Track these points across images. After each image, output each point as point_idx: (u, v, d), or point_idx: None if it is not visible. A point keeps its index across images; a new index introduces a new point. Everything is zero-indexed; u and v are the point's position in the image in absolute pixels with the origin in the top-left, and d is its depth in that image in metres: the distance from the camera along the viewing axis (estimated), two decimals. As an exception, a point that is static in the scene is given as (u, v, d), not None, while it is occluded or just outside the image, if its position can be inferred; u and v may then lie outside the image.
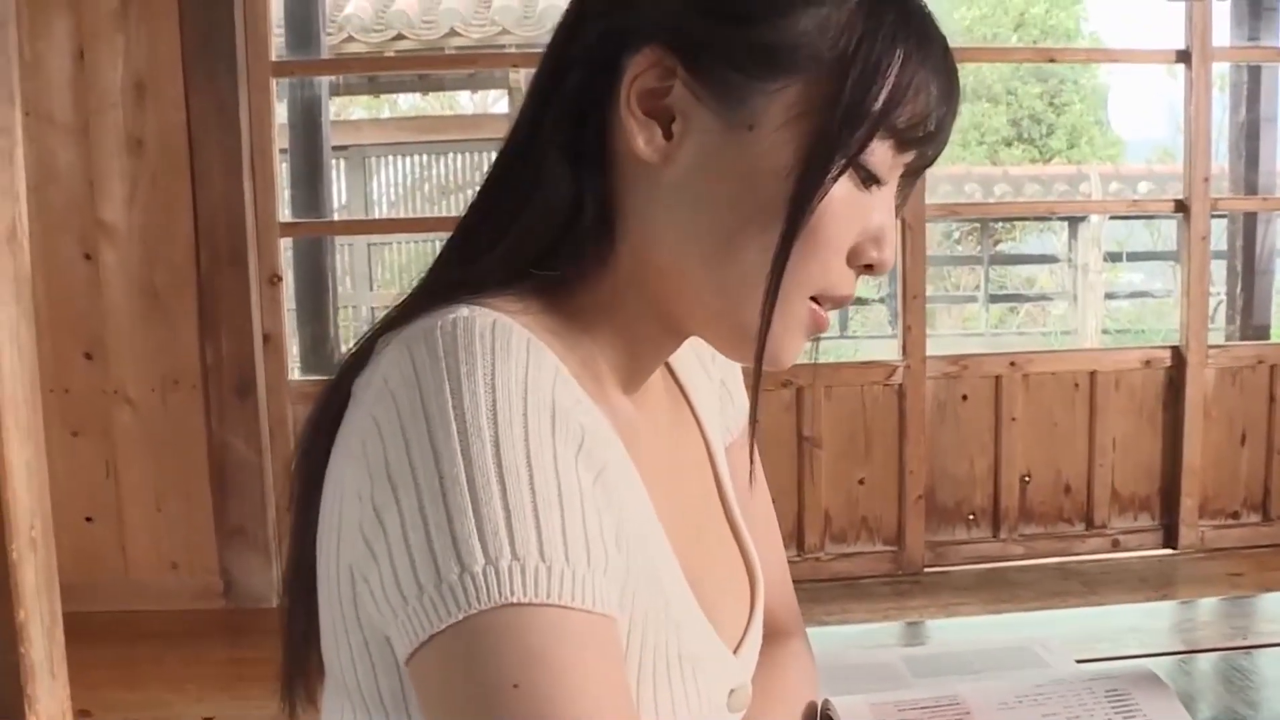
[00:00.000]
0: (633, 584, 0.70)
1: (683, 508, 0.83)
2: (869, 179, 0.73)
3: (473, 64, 8.35)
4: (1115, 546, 4.53)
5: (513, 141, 0.78)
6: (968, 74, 15.70)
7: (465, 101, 15.32)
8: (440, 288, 0.74)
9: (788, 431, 4.30)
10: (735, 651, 0.84)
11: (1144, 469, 4.54)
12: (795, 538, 4.34)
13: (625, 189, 0.75)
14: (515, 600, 0.59)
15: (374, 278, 11.01)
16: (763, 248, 0.71)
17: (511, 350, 0.64)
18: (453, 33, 8.44)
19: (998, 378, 4.42)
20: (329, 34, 5.43)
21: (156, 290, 4.06)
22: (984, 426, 4.44)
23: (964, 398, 4.42)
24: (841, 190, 0.72)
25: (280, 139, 4.25)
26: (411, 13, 8.58)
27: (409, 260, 11.04)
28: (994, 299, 12.73)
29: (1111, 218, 11.42)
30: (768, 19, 0.71)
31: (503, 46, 8.30)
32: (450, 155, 10.46)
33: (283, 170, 4.41)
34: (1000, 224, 13.27)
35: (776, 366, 0.76)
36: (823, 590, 4.22)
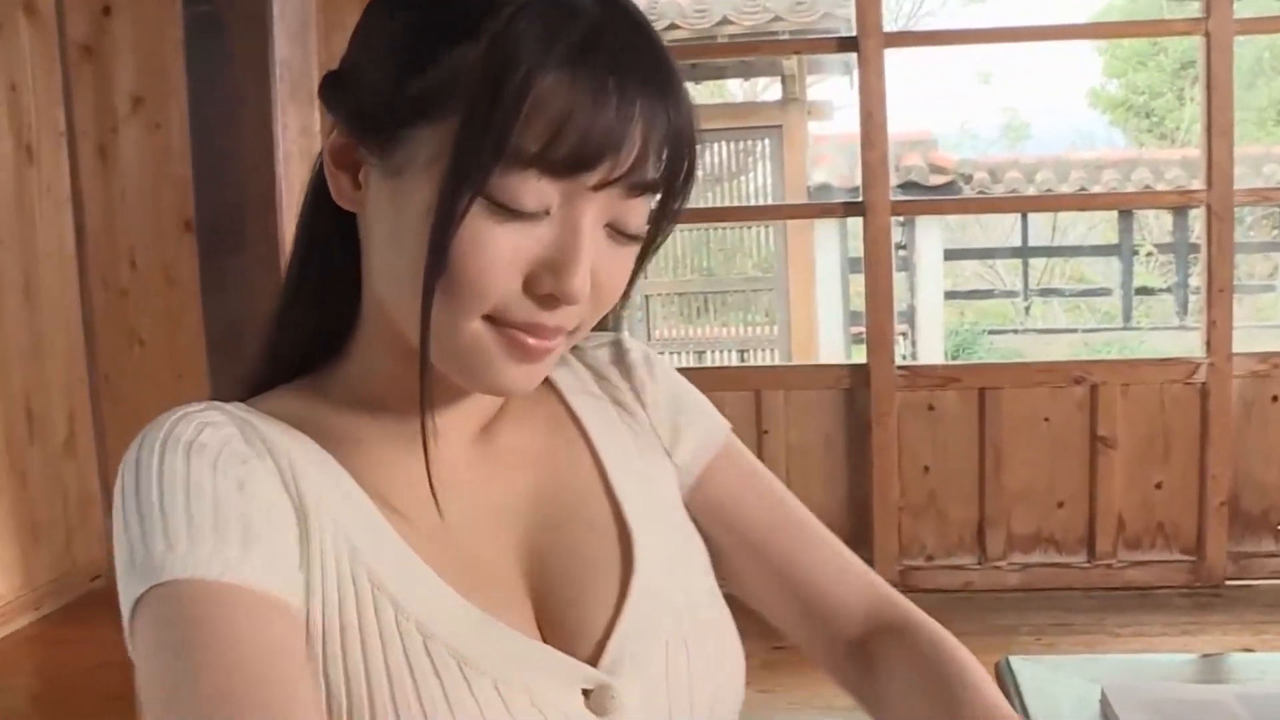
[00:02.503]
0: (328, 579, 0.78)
1: (540, 519, 0.90)
2: (506, 211, 0.75)
3: (749, 51, 8.29)
4: None
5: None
6: (1263, 47, 14.72)
7: (734, 89, 15.32)
8: (232, 382, 0.92)
9: (1080, 431, 4.10)
10: (598, 658, 0.84)
11: None
12: (1086, 542, 4.14)
13: (361, 241, 0.86)
14: (159, 581, 0.71)
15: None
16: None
17: (175, 430, 0.78)
18: (725, 21, 8.48)
19: (1314, 377, 4.08)
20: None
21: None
22: (1297, 430, 4.10)
23: (1274, 398, 4.10)
24: (482, 221, 0.75)
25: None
26: (684, 2, 8.65)
27: (683, 251, 11.11)
28: (1296, 289, 11.89)
29: None
30: (401, 76, 0.77)
31: (776, 34, 8.27)
32: (718, 144, 10.38)
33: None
34: (1303, 208, 12.36)
35: (500, 392, 0.83)
36: (1113, 599, 4.01)
